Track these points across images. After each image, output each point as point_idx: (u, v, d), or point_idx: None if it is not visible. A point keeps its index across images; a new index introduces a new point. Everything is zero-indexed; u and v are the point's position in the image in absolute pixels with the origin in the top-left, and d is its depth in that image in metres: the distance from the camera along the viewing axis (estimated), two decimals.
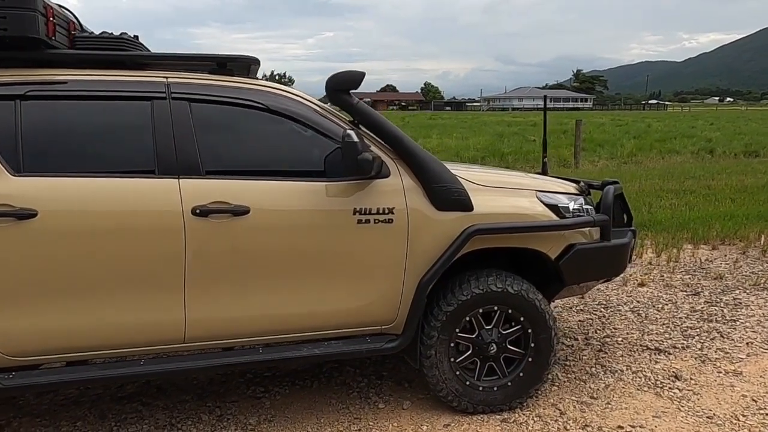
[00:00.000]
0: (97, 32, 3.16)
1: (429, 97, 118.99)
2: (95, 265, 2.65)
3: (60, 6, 2.97)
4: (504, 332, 3.22)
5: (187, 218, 2.72)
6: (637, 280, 5.61)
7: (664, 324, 4.55)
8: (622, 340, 4.25)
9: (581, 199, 3.47)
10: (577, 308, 4.96)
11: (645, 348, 4.11)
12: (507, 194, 3.23)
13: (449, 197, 3.04)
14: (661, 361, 3.90)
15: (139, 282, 2.72)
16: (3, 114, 2.62)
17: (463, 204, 3.06)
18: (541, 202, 3.27)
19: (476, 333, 3.20)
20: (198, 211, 2.73)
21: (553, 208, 3.27)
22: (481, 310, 3.17)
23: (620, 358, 3.94)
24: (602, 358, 3.96)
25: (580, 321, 4.68)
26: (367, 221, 2.93)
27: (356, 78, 3.02)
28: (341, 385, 3.63)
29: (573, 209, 3.35)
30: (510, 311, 3.19)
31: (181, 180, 2.75)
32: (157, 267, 2.72)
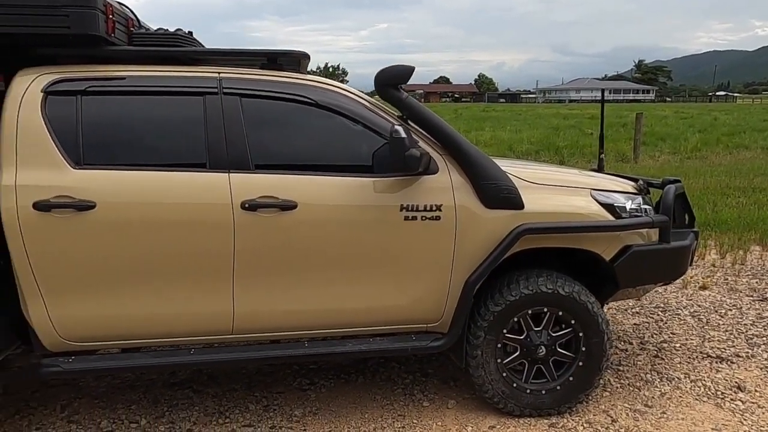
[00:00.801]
0: (154, 28, 3.25)
1: (483, 89, 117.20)
2: (148, 256, 2.73)
3: (120, 3, 3.06)
4: (554, 334, 3.13)
5: (236, 212, 2.76)
6: (698, 283, 5.35)
7: (727, 331, 4.31)
8: (680, 346, 4.05)
9: (639, 199, 3.31)
10: (633, 311, 4.76)
11: (705, 356, 3.90)
12: (560, 192, 3.12)
13: (499, 195, 2.96)
14: (722, 370, 3.69)
15: (190, 273, 2.78)
16: (65, 109, 2.72)
17: (513, 202, 2.97)
18: (596, 200, 3.14)
19: (524, 334, 3.12)
20: (247, 205, 2.76)
21: (608, 207, 3.14)
22: (530, 311, 3.08)
23: (678, 366, 3.76)
24: (658, 364, 3.79)
25: (635, 324, 4.50)
26: (414, 218, 2.90)
27: (405, 72, 2.98)
28: (386, 381, 3.63)
29: (630, 209, 3.20)
30: (560, 313, 3.09)
31: (231, 174, 2.79)
32: (207, 259, 2.78)
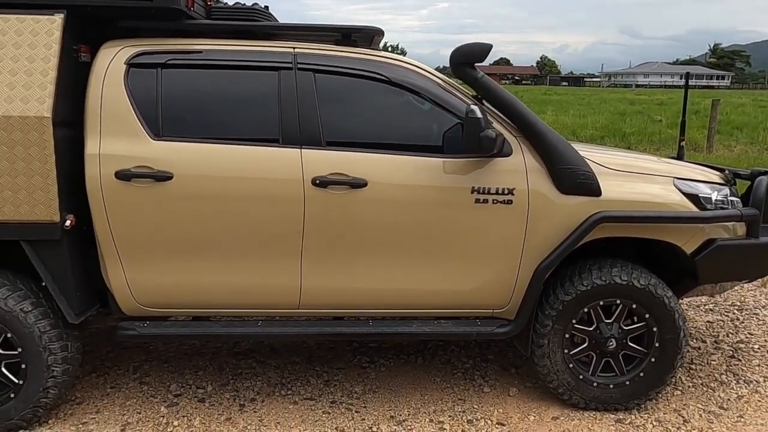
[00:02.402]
0: (231, 3, 3.27)
1: (545, 72, 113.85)
2: (221, 227, 2.78)
3: None
4: (625, 328, 3.01)
5: (307, 188, 2.77)
6: None
7: None
8: (759, 348, 3.82)
9: (726, 190, 3.11)
10: (706, 307, 4.53)
11: None
12: (640, 180, 2.98)
13: (575, 180, 2.85)
14: None
15: (261, 246, 2.82)
16: (146, 81, 2.79)
17: (590, 188, 2.85)
18: (679, 190, 2.97)
19: (594, 326, 3.01)
20: (318, 181, 2.76)
21: (692, 197, 2.97)
22: (601, 303, 2.97)
23: (756, 368, 3.55)
24: (734, 365, 3.59)
25: (708, 321, 4.28)
26: (485, 201, 2.83)
27: (482, 50, 2.89)
28: (445, 364, 3.60)
29: (716, 200, 3.02)
30: (634, 306, 2.97)
31: (303, 150, 2.80)
32: (277, 233, 2.81)
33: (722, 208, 3.01)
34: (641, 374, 3.02)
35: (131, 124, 2.74)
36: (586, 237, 2.84)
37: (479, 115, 2.68)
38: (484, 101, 2.99)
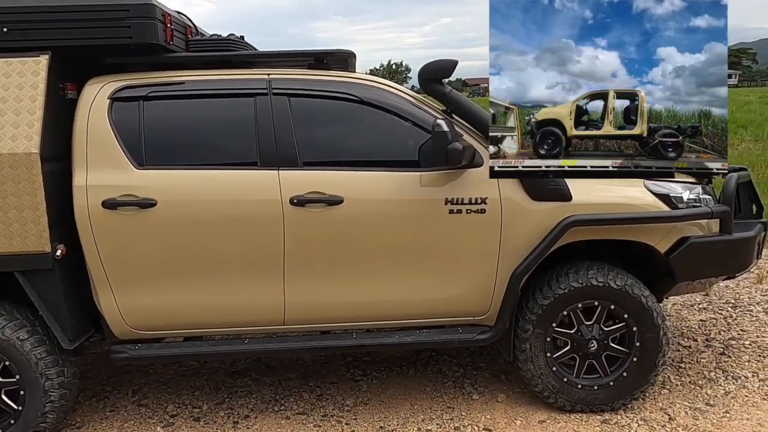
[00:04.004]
0: (209, 34, 3.43)
1: None
2: (205, 250, 2.89)
3: (178, 12, 3.24)
4: (606, 329, 3.05)
5: (285, 207, 2.87)
6: None
7: None
8: (750, 344, 3.83)
9: (699, 188, 3.16)
10: (700, 306, 4.54)
11: None
12: (610, 183, 3.04)
13: (545, 187, 2.92)
14: None
15: (244, 266, 2.92)
16: (129, 114, 2.92)
17: (561, 194, 2.93)
18: (650, 191, 3.03)
19: (575, 328, 3.06)
20: (295, 200, 2.87)
21: (663, 197, 3.02)
22: (580, 305, 3.02)
23: (746, 364, 3.56)
24: (724, 362, 3.60)
25: (701, 320, 4.29)
26: (459, 211, 2.91)
27: (448, 66, 3.00)
28: (437, 374, 3.66)
29: (688, 199, 3.07)
30: (613, 307, 3.01)
31: (280, 171, 2.91)
32: (259, 252, 2.91)
33: (693, 207, 3.06)
34: (624, 374, 3.06)
35: (116, 155, 2.87)
36: (558, 241, 2.91)
37: (445, 128, 2.77)
38: (453, 115, 3.09)
